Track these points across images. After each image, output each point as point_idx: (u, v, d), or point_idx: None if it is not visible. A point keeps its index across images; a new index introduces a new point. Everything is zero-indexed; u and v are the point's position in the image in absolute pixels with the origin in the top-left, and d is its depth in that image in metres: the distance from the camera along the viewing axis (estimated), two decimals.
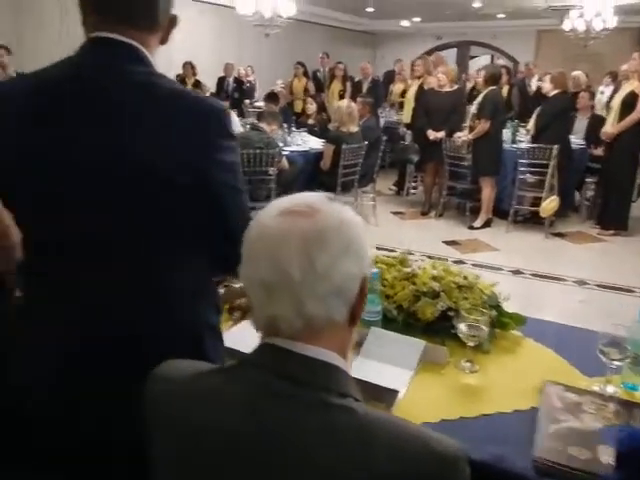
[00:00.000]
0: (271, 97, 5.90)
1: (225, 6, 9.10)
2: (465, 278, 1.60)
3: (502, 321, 1.54)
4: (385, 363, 1.37)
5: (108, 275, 0.97)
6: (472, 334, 1.35)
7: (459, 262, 4.39)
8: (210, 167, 0.97)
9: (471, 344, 1.36)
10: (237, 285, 1.75)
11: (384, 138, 5.75)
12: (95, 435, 0.98)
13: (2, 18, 6.84)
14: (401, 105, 7.76)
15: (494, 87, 5.28)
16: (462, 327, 1.36)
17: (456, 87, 5.79)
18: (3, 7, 6.95)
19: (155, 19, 1.03)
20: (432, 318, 1.51)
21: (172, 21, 1.07)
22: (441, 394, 1.28)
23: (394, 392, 1.24)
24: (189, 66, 7.79)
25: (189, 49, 8.70)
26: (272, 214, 0.76)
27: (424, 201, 6.17)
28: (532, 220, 5.53)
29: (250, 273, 0.75)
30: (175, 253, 1.00)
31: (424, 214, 6.04)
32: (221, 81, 8.80)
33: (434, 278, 1.58)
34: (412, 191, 6.86)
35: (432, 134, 5.59)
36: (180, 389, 0.79)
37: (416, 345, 1.42)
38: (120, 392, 0.97)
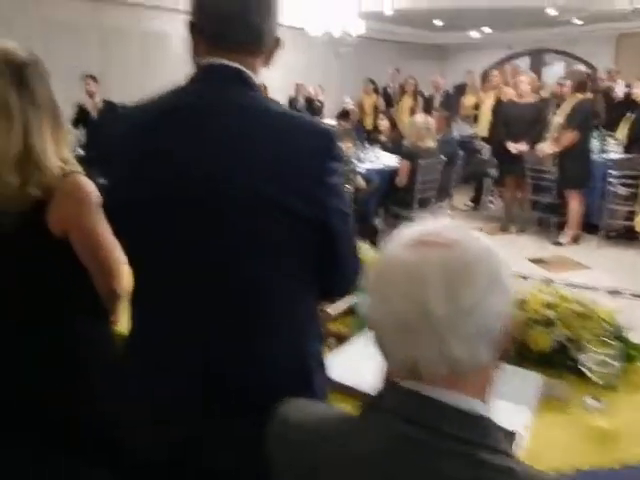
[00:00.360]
0: (343, 115, 5.90)
1: (294, 27, 9.27)
2: (581, 304, 1.46)
3: (628, 353, 1.38)
4: (498, 399, 1.25)
5: (209, 305, 0.95)
6: (601, 369, 1.21)
7: (549, 281, 4.13)
8: (322, 192, 0.95)
9: (599, 381, 1.22)
10: (330, 310, 1.71)
11: (461, 153, 5.58)
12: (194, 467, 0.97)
13: (90, 51, 7.32)
14: (475, 118, 7.54)
15: (583, 95, 5.00)
16: (587, 361, 1.23)
17: (538, 97, 5.54)
18: (91, 42, 7.48)
19: (262, 43, 1.03)
20: (547, 349, 1.38)
21: (276, 43, 1.07)
22: (568, 437, 1.15)
23: (514, 434, 1.12)
24: (262, 87, 7.95)
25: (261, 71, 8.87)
26: (404, 245, 0.70)
27: (504, 216, 5.92)
28: (625, 235, 5.16)
29: (383, 310, 0.69)
30: (281, 280, 0.97)
31: (504, 230, 5.79)
32: (292, 101, 8.93)
33: (548, 305, 1.45)
34: (490, 206, 6.61)
35: (513, 147, 5.36)
36: (306, 434, 0.74)
37: (532, 379, 1.30)
38: (225, 425, 0.95)
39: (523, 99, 5.42)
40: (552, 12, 9.73)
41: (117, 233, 1.11)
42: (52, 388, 1.34)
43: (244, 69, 1.01)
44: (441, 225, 0.72)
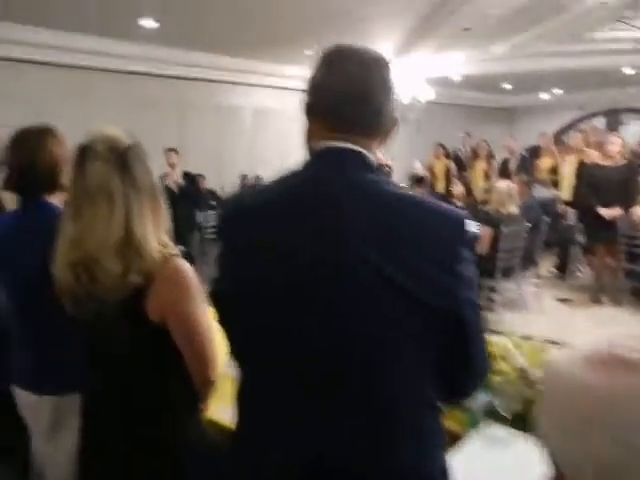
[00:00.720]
0: (417, 181, 5.80)
1: None
2: None
3: None
4: None
5: (332, 404, 0.90)
6: None
7: None
8: (453, 282, 0.89)
9: None
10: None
11: (546, 219, 5.29)
12: None
13: (170, 126, 7.75)
14: (553, 181, 7.25)
15: None
16: None
17: (626, 160, 5.23)
18: (172, 118, 7.98)
19: (382, 124, 0.98)
20: None
21: (394, 123, 1.01)
22: None
23: None
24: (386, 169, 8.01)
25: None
26: (588, 363, 0.55)
27: (594, 286, 5.49)
28: None
29: (568, 447, 0.53)
30: (399, 370, 0.90)
31: (595, 301, 5.35)
32: None
33: None
34: (578, 274, 6.19)
35: (606, 212, 5.01)
36: None
37: None
38: None
39: (609, 161, 5.12)
40: (629, 71, 9.46)
41: (222, 320, 1.05)
42: (143, 473, 1.31)
43: (364, 151, 0.95)
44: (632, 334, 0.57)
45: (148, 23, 6.19)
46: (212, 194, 8.11)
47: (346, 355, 0.89)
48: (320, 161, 0.96)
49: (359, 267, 0.87)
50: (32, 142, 1.63)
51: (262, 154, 9.38)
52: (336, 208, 0.90)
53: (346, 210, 0.89)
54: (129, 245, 1.24)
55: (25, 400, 1.66)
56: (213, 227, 7.31)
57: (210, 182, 8.09)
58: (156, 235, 1.29)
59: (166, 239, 1.33)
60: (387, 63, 0.99)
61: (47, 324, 1.56)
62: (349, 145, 0.94)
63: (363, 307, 0.87)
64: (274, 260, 0.92)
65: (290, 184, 0.97)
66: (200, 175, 7.44)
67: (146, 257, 1.24)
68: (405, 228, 0.88)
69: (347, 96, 0.94)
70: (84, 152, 1.29)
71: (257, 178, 8.97)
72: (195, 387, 1.35)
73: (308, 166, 0.98)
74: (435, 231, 0.89)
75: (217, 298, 1.04)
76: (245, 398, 1.01)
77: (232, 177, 8.88)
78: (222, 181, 8.73)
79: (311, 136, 1.00)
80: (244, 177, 8.93)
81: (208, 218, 7.25)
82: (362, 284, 0.87)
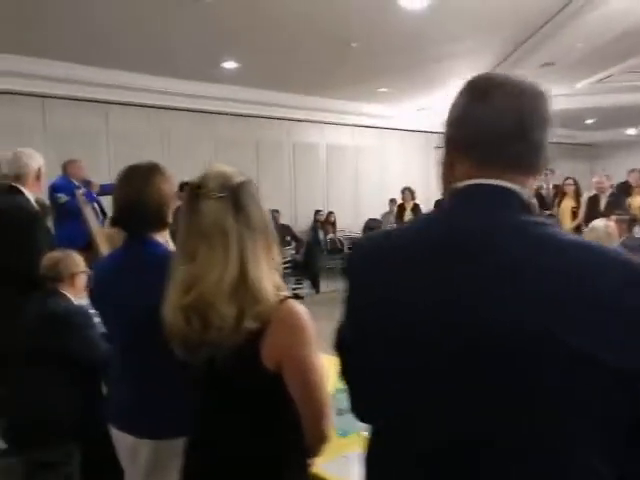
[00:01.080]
0: None
1: (431, 132, 9.43)
2: None
3: None
4: None
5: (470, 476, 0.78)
6: None
7: None
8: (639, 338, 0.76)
9: None
10: None
11: None
12: None
13: (248, 163, 7.96)
14: None
15: None
16: None
17: None
18: (249, 155, 8.19)
19: (539, 161, 0.88)
20: None
21: (548, 159, 0.90)
22: None
23: None
24: (408, 191, 7.95)
25: (401, 174, 9.08)
26: None
27: None
28: None
29: None
30: (569, 457, 0.76)
31: None
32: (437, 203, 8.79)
33: None
34: None
35: None
36: None
37: None
38: None
39: None
40: None
41: (345, 371, 0.98)
42: None
43: (519, 189, 0.85)
44: None
45: (230, 65, 6.43)
46: (287, 229, 8.19)
47: (486, 418, 0.77)
48: (467, 200, 0.87)
49: (510, 319, 0.76)
50: (140, 179, 1.62)
51: (336, 190, 9.43)
52: (485, 251, 0.80)
53: (497, 254, 0.79)
54: (244, 288, 1.17)
55: (123, 441, 1.61)
56: (287, 262, 7.34)
57: (284, 217, 8.18)
58: (270, 276, 1.22)
59: (279, 280, 1.26)
60: (545, 95, 0.90)
61: (150, 365, 1.51)
62: (502, 183, 0.85)
63: (513, 367, 0.75)
64: (407, 307, 0.84)
65: (430, 226, 0.89)
66: (275, 210, 7.53)
67: (261, 300, 1.17)
68: (574, 275, 0.77)
69: (501, 130, 0.85)
70: (196, 190, 1.24)
71: (330, 214, 8.99)
72: (306, 440, 1.26)
73: (453, 206, 0.88)
74: (615, 281, 0.77)
75: (341, 346, 0.97)
76: (371, 458, 0.93)
77: (306, 212, 8.96)
78: (296, 216, 8.82)
79: (452, 172, 0.90)
80: (317, 212, 8.99)
81: (282, 253, 7.29)
82: (513, 339, 0.75)
